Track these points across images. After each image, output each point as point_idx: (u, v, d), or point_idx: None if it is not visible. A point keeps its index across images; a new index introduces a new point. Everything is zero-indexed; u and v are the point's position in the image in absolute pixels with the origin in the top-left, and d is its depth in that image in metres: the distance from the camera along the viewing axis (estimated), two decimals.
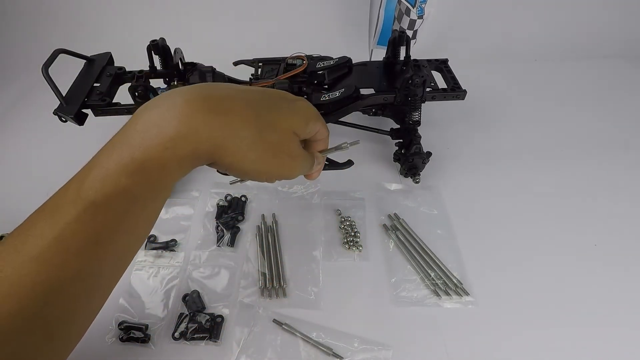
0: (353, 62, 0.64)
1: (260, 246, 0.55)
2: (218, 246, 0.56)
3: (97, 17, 0.98)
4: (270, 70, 0.64)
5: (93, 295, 0.28)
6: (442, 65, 0.65)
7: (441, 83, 0.63)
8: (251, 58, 0.66)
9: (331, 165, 0.56)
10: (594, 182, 0.64)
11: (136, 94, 0.57)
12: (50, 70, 0.54)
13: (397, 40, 0.62)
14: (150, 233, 0.57)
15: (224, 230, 0.57)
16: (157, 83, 0.62)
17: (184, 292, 0.51)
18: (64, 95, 0.56)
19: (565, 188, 0.63)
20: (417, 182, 0.62)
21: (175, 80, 0.63)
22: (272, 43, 0.76)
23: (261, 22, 0.96)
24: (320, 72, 0.60)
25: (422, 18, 0.69)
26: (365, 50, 0.82)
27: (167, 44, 0.60)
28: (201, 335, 0.46)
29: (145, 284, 0.52)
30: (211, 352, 0.46)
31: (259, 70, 0.64)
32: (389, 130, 0.66)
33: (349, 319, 0.48)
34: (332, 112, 0.58)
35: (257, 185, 0.63)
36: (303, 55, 0.63)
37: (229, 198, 0.61)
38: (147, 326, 0.47)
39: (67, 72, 0.60)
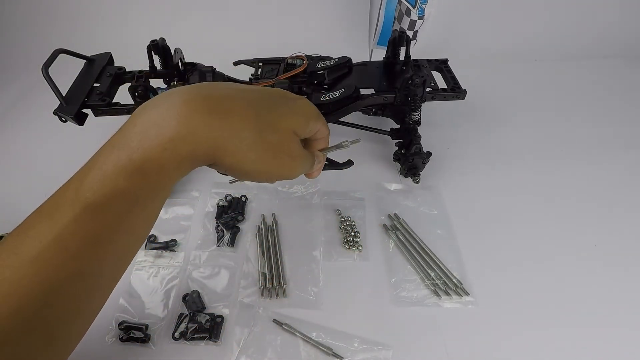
0: (353, 62, 0.64)
1: (260, 246, 0.55)
2: (218, 246, 0.56)
3: (97, 17, 0.98)
4: (270, 70, 0.64)
5: (93, 296, 0.28)
6: (442, 65, 0.65)
7: (441, 83, 0.63)
8: (251, 58, 0.66)
9: (331, 165, 0.56)
10: (594, 182, 0.64)
11: (136, 94, 0.57)
12: (50, 70, 0.54)
13: (397, 40, 0.62)
14: (150, 233, 0.57)
15: (224, 230, 0.57)
16: (157, 83, 0.62)
17: (184, 292, 0.51)
18: (64, 95, 0.56)
19: (565, 188, 0.63)
20: (417, 182, 0.62)
21: (175, 80, 0.63)
22: (272, 43, 0.76)
23: (261, 22, 0.96)
24: (320, 72, 0.61)
25: (422, 19, 0.69)
26: (365, 50, 0.82)
27: (167, 44, 0.60)
28: (201, 335, 0.46)
29: (145, 284, 0.52)
30: (211, 352, 0.46)
31: (259, 70, 0.65)
32: (389, 130, 0.66)
33: (349, 319, 0.48)
34: (332, 112, 0.58)
35: (257, 185, 0.63)
36: (303, 55, 0.63)
37: (229, 198, 0.61)
38: (147, 326, 0.47)
39: (67, 72, 0.60)
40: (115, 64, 0.65)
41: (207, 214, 0.60)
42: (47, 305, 0.25)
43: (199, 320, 0.47)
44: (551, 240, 0.56)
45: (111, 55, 0.66)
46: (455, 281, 0.51)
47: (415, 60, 0.64)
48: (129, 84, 0.60)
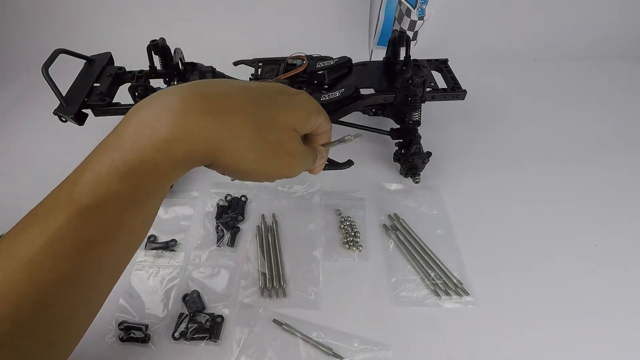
0: (353, 62, 0.64)
1: (260, 246, 0.55)
2: (218, 246, 0.56)
3: (97, 17, 0.98)
4: (270, 70, 0.64)
5: (90, 298, 0.28)
6: (442, 65, 0.65)
7: (441, 83, 0.63)
8: (251, 58, 0.66)
9: (331, 165, 0.56)
10: (594, 181, 0.64)
11: (136, 94, 0.57)
12: (50, 70, 0.53)
13: (397, 40, 0.62)
14: (150, 233, 0.57)
15: (224, 230, 0.57)
16: (157, 83, 0.62)
17: (184, 292, 0.51)
18: (64, 95, 0.56)
19: (565, 188, 0.63)
20: (417, 182, 0.62)
21: (175, 80, 0.63)
22: (272, 43, 0.76)
23: (261, 22, 0.96)
24: (320, 72, 0.61)
25: (422, 19, 0.69)
26: (365, 50, 0.82)
27: (167, 44, 0.60)
28: (201, 335, 0.46)
29: (145, 284, 0.52)
30: (211, 352, 0.46)
31: (259, 70, 0.65)
32: (389, 130, 0.66)
33: (349, 319, 0.48)
34: (332, 112, 0.58)
35: (257, 185, 0.63)
36: (303, 55, 0.63)
37: (229, 198, 0.61)
38: (147, 326, 0.47)
39: (67, 72, 0.60)
40: (115, 64, 0.65)
41: (207, 214, 0.60)
42: (42, 308, 0.24)
43: (199, 320, 0.47)
44: (551, 240, 0.56)
45: (111, 55, 0.65)
46: (455, 281, 0.51)
47: (415, 60, 0.64)
48: (129, 84, 0.60)
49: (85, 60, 0.63)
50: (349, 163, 0.56)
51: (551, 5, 0.91)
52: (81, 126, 0.58)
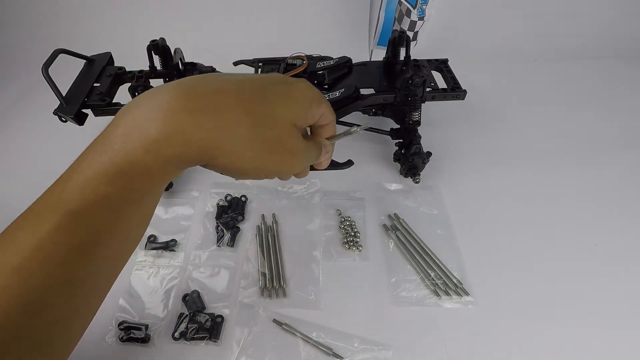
0: (353, 62, 0.64)
1: (260, 246, 0.55)
2: (218, 246, 0.56)
3: (97, 17, 0.98)
4: (270, 70, 0.64)
5: (83, 304, 0.27)
6: (442, 65, 0.65)
7: (441, 83, 0.63)
8: (251, 58, 0.66)
9: (331, 165, 0.56)
10: (594, 181, 0.64)
11: (136, 93, 0.57)
12: (50, 70, 0.53)
13: (397, 40, 0.62)
14: (150, 233, 0.57)
15: (224, 230, 0.57)
16: (157, 83, 0.62)
17: (184, 292, 0.51)
18: (64, 95, 0.56)
19: (565, 188, 0.63)
20: (417, 182, 0.62)
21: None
22: (272, 43, 0.76)
23: (261, 22, 0.96)
24: (320, 72, 0.61)
25: (422, 19, 0.69)
26: (365, 50, 0.82)
27: (167, 44, 0.60)
28: (201, 335, 0.46)
29: (145, 284, 0.52)
30: (211, 352, 0.46)
31: (259, 70, 0.65)
32: (389, 130, 0.66)
33: (349, 319, 0.48)
34: None
35: (257, 185, 0.63)
36: (303, 55, 0.63)
37: (229, 198, 0.61)
38: (147, 326, 0.47)
39: (67, 72, 0.60)
40: (115, 64, 0.65)
41: (207, 214, 0.60)
42: (35, 314, 0.24)
43: (199, 320, 0.47)
44: (551, 239, 0.56)
45: (111, 55, 0.65)
46: (455, 281, 0.51)
47: (415, 60, 0.64)
48: (129, 84, 0.60)
49: (85, 60, 0.63)
50: (349, 163, 0.56)
51: (551, 6, 0.91)
52: (81, 126, 0.58)
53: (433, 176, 0.64)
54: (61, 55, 0.57)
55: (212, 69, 0.62)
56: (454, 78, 0.63)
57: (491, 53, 0.92)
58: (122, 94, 0.62)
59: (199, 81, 0.26)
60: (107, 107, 0.59)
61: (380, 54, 0.69)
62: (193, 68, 0.63)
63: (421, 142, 0.60)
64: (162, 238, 0.57)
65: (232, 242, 0.56)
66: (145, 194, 0.26)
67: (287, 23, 0.96)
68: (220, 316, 0.48)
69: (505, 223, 0.58)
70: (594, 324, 0.47)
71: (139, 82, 0.58)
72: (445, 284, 0.51)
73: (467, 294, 0.50)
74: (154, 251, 0.55)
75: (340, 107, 0.58)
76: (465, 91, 0.61)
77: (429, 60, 0.66)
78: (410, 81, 0.56)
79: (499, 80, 0.86)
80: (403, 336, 0.46)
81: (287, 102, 0.28)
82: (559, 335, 0.46)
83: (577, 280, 0.51)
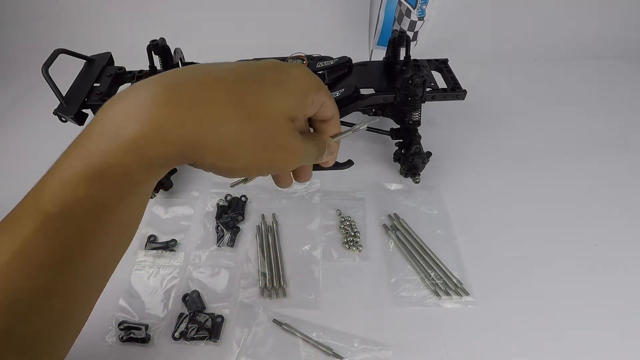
0: (353, 62, 0.64)
1: (260, 246, 0.55)
2: (218, 246, 0.56)
3: (97, 17, 0.98)
4: None
5: (70, 307, 0.26)
6: (442, 65, 0.65)
7: (441, 83, 0.63)
8: (251, 58, 0.66)
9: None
10: (594, 182, 0.64)
11: None
12: (50, 70, 0.53)
13: (397, 40, 0.62)
14: (150, 233, 0.57)
15: (224, 230, 0.57)
16: None
17: (184, 292, 0.51)
18: (64, 95, 0.56)
19: (565, 187, 0.63)
20: (417, 182, 0.62)
21: None
22: (272, 43, 0.76)
23: (261, 22, 0.96)
24: (320, 72, 0.61)
25: (422, 19, 0.69)
26: (365, 50, 0.82)
27: (167, 44, 0.60)
28: (201, 335, 0.46)
29: (145, 284, 0.52)
30: (211, 352, 0.46)
31: None
32: (389, 130, 0.66)
33: (349, 319, 0.48)
34: None
35: (257, 185, 0.63)
36: (303, 55, 0.63)
37: (229, 198, 0.61)
38: (147, 326, 0.47)
39: (67, 72, 0.60)
40: (115, 64, 0.65)
41: (207, 214, 0.60)
42: (19, 320, 0.23)
43: (199, 320, 0.47)
44: (551, 239, 0.56)
45: (111, 55, 0.65)
46: (455, 281, 0.51)
47: (415, 60, 0.64)
48: (129, 84, 0.60)
49: (85, 60, 0.63)
50: (349, 163, 0.56)
51: (551, 6, 0.91)
52: (81, 126, 0.58)
53: (433, 176, 0.64)
54: (61, 55, 0.57)
55: None
56: (454, 78, 0.63)
57: (491, 53, 0.92)
58: None
59: (183, 73, 0.24)
60: None
61: (380, 54, 0.69)
62: None
63: (421, 142, 0.60)
64: (162, 238, 0.57)
65: (232, 242, 0.56)
66: (128, 197, 0.24)
67: (287, 23, 0.96)
68: (220, 316, 0.48)
69: (505, 223, 0.58)
70: (594, 323, 0.47)
71: None
72: (445, 284, 0.51)
73: (467, 294, 0.50)
74: (154, 251, 0.55)
75: (340, 107, 0.58)
76: (465, 91, 0.61)
77: (429, 60, 0.66)
78: (410, 81, 0.56)
79: (499, 80, 0.86)
80: (403, 336, 0.46)
81: (280, 92, 0.25)
82: (559, 335, 0.46)
83: (577, 280, 0.51)
